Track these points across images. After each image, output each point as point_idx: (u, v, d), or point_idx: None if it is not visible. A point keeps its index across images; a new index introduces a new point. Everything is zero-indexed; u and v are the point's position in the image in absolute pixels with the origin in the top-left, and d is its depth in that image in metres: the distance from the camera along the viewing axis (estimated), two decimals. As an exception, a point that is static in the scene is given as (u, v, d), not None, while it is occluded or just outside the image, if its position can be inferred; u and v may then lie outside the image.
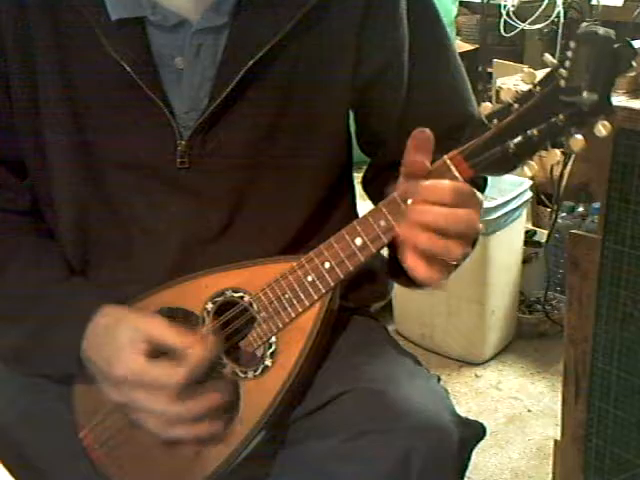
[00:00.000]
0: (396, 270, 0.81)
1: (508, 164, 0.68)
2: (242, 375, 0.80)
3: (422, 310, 2.24)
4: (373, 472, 0.76)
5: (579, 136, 0.65)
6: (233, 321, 0.81)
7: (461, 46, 2.86)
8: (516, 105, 0.67)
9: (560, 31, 2.53)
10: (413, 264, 0.71)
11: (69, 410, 0.86)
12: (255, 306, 0.80)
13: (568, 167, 2.27)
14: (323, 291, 0.77)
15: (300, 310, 0.78)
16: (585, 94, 0.64)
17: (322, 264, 0.76)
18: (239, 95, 0.81)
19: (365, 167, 1.00)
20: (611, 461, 1.28)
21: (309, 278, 0.77)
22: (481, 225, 0.72)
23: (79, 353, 0.80)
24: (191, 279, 0.83)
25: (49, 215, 0.90)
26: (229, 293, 0.81)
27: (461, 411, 0.83)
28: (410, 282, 0.84)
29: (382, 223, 0.73)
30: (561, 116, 0.65)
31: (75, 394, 0.86)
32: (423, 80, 0.89)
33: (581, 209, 2.40)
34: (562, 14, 2.51)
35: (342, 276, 0.76)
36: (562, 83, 0.65)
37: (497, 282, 2.15)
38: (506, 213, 2.11)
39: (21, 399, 0.87)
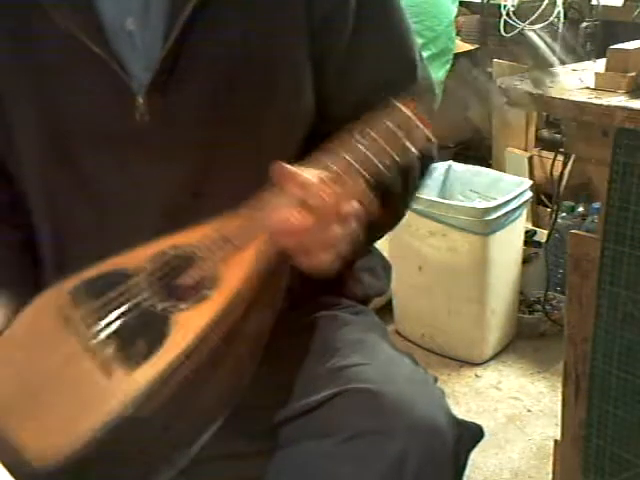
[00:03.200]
0: None
1: None
2: (173, 309, 0.76)
3: (422, 310, 2.24)
4: (369, 473, 0.76)
5: None
6: (172, 272, 0.79)
7: (461, 46, 2.86)
8: None
9: (560, 31, 2.53)
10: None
11: None
12: (195, 251, 0.78)
13: (568, 167, 2.28)
14: None
15: (236, 247, 0.77)
16: None
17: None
18: (194, 45, 0.81)
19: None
20: (611, 461, 1.28)
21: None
22: (343, 245, 0.74)
23: None
24: (135, 248, 0.81)
25: (25, 204, 0.90)
26: (170, 251, 0.79)
27: (461, 411, 0.83)
28: None
29: None
30: None
31: None
32: (367, 30, 0.88)
33: (581, 209, 2.40)
34: (562, 14, 2.50)
35: None
36: None
37: (497, 282, 2.15)
38: (506, 213, 2.11)
39: None
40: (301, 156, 0.82)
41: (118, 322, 0.76)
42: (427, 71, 0.96)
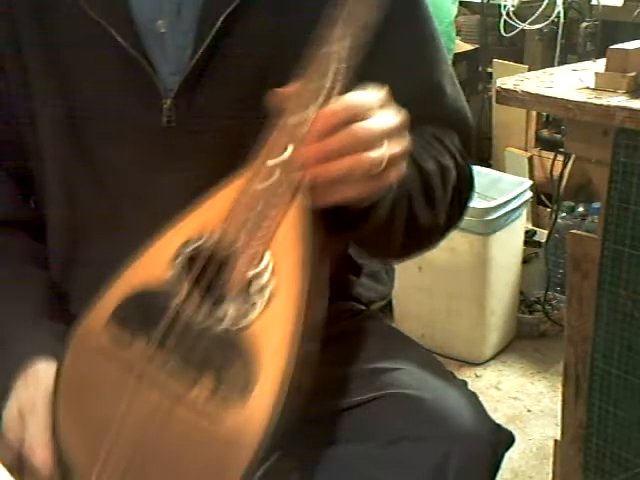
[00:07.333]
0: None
1: None
2: (244, 319, 0.65)
3: (422, 310, 2.24)
4: (411, 477, 0.76)
5: None
6: (207, 269, 0.68)
7: (461, 46, 2.86)
8: None
9: (560, 31, 2.53)
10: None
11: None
12: (225, 242, 0.67)
13: (568, 167, 2.28)
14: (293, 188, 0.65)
15: (277, 217, 0.65)
16: None
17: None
18: (223, 51, 0.80)
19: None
20: (611, 461, 1.28)
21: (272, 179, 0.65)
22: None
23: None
24: (146, 249, 0.72)
25: (40, 201, 0.90)
26: (191, 244, 0.69)
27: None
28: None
29: None
30: None
31: (66, 444, 0.72)
32: (384, 42, 0.83)
33: (581, 209, 2.40)
34: (562, 14, 2.51)
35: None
36: None
37: (497, 282, 2.15)
38: (506, 213, 2.11)
39: None
40: None
41: (198, 356, 0.66)
42: (461, 101, 0.89)
